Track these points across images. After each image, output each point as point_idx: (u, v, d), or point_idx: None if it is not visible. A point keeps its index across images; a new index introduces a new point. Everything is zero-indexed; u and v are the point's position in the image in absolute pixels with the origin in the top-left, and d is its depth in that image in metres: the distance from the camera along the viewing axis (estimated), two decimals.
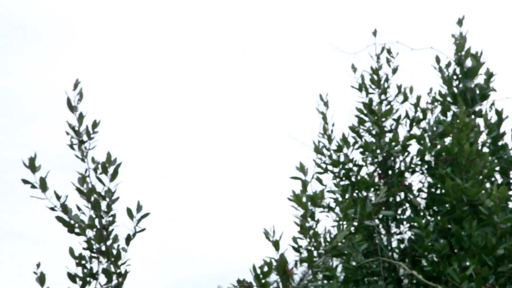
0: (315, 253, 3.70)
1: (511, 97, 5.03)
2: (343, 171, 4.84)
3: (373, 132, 4.94)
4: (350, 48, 5.28)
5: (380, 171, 4.89)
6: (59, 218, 3.46)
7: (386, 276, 4.54)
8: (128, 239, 3.53)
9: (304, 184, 3.86)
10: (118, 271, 3.49)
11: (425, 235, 4.14)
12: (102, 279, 3.50)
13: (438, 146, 4.84)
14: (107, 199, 3.51)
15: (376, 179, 4.88)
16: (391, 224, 4.82)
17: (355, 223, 3.71)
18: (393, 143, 4.86)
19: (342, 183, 4.85)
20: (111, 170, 3.54)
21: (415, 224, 4.59)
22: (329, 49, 5.28)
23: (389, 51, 5.16)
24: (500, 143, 4.86)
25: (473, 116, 4.99)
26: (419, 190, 4.87)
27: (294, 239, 4.02)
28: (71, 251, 3.47)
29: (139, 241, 3.58)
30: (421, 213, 4.73)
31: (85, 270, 3.48)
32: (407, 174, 4.92)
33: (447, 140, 4.87)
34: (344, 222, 3.64)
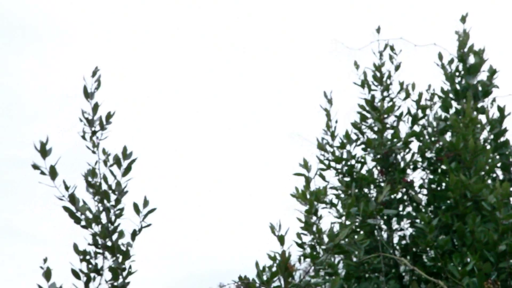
0: (318, 249, 3.72)
1: None
2: (345, 168, 4.87)
3: (375, 128, 4.96)
4: (353, 45, 5.30)
5: (381, 168, 4.92)
6: (65, 208, 3.42)
7: (387, 272, 4.57)
8: (134, 234, 3.51)
9: (308, 180, 3.89)
10: (124, 267, 3.47)
11: (428, 231, 4.17)
12: (107, 275, 3.48)
13: (440, 143, 4.87)
14: (116, 193, 3.49)
15: (376, 175, 4.90)
16: (392, 221, 4.85)
17: (357, 221, 3.73)
18: (395, 140, 4.89)
19: (344, 179, 4.87)
20: (125, 164, 3.52)
21: (417, 220, 4.62)
22: (332, 46, 5.30)
23: (392, 48, 5.18)
24: (502, 140, 4.88)
25: (475, 113, 5.01)
26: (421, 186, 4.90)
27: (298, 235, 4.04)
28: (75, 247, 3.44)
29: (140, 238, 3.57)
30: (423, 210, 4.76)
31: (90, 266, 3.46)
32: (408, 171, 4.95)
33: (448, 135, 4.90)
34: (347, 221, 3.65)
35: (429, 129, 5.03)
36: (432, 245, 4.18)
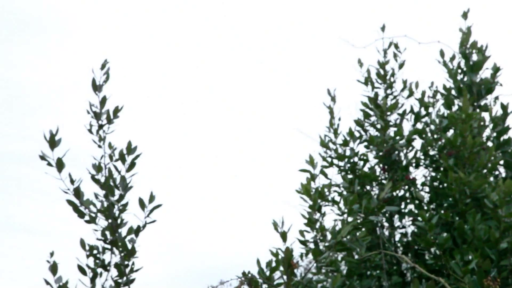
0: (321, 246, 3.75)
1: None
2: (348, 165, 4.89)
3: (378, 126, 4.99)
4: (357, 42, 5.31)
5: (384, 165, 4.94)
6: (70, 202, 3.39)
7: (388, 269, 4.60)
8: (138, 230, 3.49)
9: (313, 177, 3.91)
10: (129, 264, 3.46)
11: (428, 229, 4.19)
12: (114, 271, 3.48)
13: (443, 140, 4.89)
14: (120, 188, 3.46)
15: (378, 173, 4.93)
16: (394, 218, 4.88)
17: (359, 218, 3.75)
18: (398, 137, 4.91)
19: (347, 176, 4.90)
20: (129, 159, 3.49)
21: (419, 218, 4.65)
22: (336, 43, 5.31)
23: (396, 46, 5.20)
24: (505, 137, 4.90)
25: (478, 110, 5.03)
26: (423, 184, 4.92)
27: (301, 232, 4.07)
28: (82, 242, 3.43)
29: (141, 234, 3.54)
30: (425, 207, 4.78)
31: (97, 261, 3.44)
32: (411, 168, 4.98)
33: (450, 133, 4.92)
34: (349, 218, 3.68)
35: (432, 127, 5.05)
36: (432, 243, 4.21)
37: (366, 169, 4.89)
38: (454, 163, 4.58)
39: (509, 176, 4.83)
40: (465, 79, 5.18)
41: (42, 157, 3.33)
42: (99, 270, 3.47)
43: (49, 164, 3.34)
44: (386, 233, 4.76)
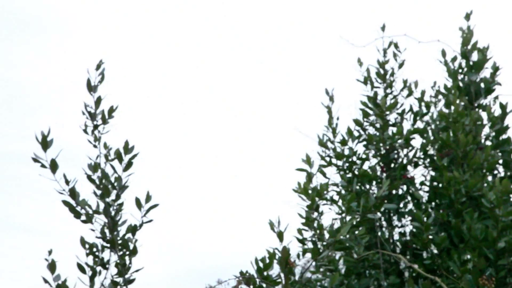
0: (319, 245, 3.75)
1: None
2: (346, 164, 4.89)
3: (377, 125, 4.99)
4: (357, 40, 5.32)
5: (383, 164, 4.94)
6: (65, 203, 3.39)
7: (387, 268, 4.60)
8: (135, 229, 3.50)
9: (310, 176, 3.91)
10: (127, 263, 3.47)
11: (424, 228, 4.19)
12: (113, 270, 3.48)
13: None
14: (117, 187, 3.47)
15: (379, 172, 4.93)
16: (393, 217, 4.88)
17: (357, 216, 3.74)
18: (397, 137, 4.91)
19: (346, 175, 4.90)
20: (126, 159, 3.50)
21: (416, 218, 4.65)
22: (336, 43, 5.32)
23: (396, 45, 5.20)
24: (503, 137, 4.90)
25: (477, 109, 5.03)
26: (421, 183, 4.92)
27: (299, 231, 4.07)
28: (82, 240, 3.43)
29: (140, 233, 3.56)
30: (423, 207, 4.78)
31: (96, 260, 3.45)
32: (409, 168, 4.98)
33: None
34: (347, 216, 3.67)
35: (432, 126, 5.05)
36: (429, 243, 4.21)
37: (366, 168, 4.90)
38: (450, 163, 4.58)
39: (507, 175, 4.82)
40: (465, 79, 5.18)
41: (35, 159, 3.33)
42: (98, 268, 3.47)
43: (43, 165, 3.34)
44: (386, 232, 4.76)
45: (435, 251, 4.33)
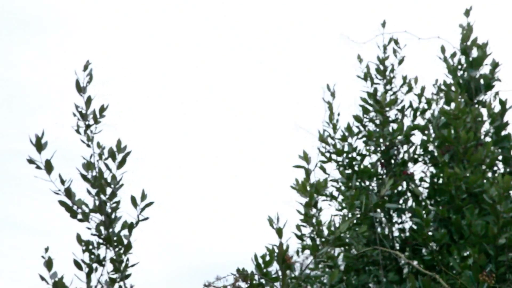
0: (317, 241, 3.73)
1: None
2: (346, 160, 4.88)
3: (377, 121, 4.97)
4: (357, 38, 5.30)
5: (383, 161, 4.93)
6: (61, 203, 3.43)
7: (386, 265, 4.58)
8: (131, 227, 3.52)
9: (308, 172, 3.89)
10: (123, 259, 3.49)
11: (424, 224, 4.17)
12: (109, 266, 3.50)
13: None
14: (112, 185, 3.49)
15: (379, 169, 4.91)
16: (393, 214, 4.86)
17: (358, 214, 3.73)
18: (396, 133, 4.89)
19: (345, 172, 4.88)
20: (119, 157, 3.52)
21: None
22: (336, 42, 5.30)
23: (396, 42, 5.18)
24: (503, 133, 4.87)
25: (476, 106, 5.01)
26: (421, 179, 4.91)
27: (298, 227, 4.05)
28: (78, 237, 3.46)
29: (138, 230, 3.58)
30: (423, 203, 4.76)
31: (92, 257, 3.47)
32: (409, 164, 4.96)
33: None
34: (349, 214, 3.65)
35: (433, 122, 5.03)
36: (429, 239, 4.18)
37: (367, 164, 4.88)
38: (451, 159, 4.55)
39: (507, 171, 4.80)
40: (465, 75, 5.16)
41: (30, 161, 3.37)
42: (94, 265, 3.49)
43: (38, 167, 3.37)
44: (386, 228, 4.74)
45: (434, 247, 4.31)
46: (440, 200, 4.63)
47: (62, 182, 3.41)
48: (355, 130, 4.98)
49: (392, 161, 4.94)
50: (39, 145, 3.36)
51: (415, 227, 4.60)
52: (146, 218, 3.56)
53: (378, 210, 4.23)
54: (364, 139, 4.97)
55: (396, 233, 4.82)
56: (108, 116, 3.57)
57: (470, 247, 4.05)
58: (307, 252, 4.00)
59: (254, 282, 3.31)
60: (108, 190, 3.50)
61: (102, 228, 3.47)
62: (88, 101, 3.52)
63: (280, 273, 3.34)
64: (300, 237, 4.06)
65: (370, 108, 5.02)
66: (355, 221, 4.01)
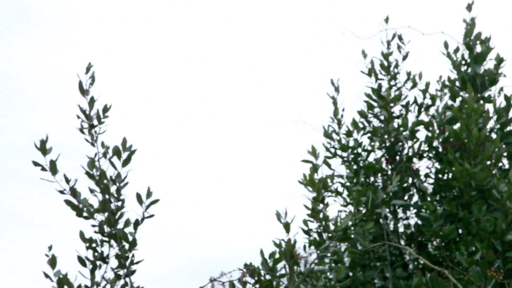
0: (324, 236, 3.72)
1: None
2: (351, 156, 4.87)
3: (381, 117, 4.97)
4: (361, 33, 5.29)
5: (388, 156, 4.92)
6: (67, 202, 3.46)
7: (392, 260, 4.58)
8: (136, 224, 3.54)
9: (315, 167, 3.88)
10: (128, 256, 3.49)
11: (433, 219, 4.16)
12: (113, 263, 3.52)
13: (447, 132, 4.86)
14: (117, 183, 3.51)
15: (384, 164, 4.91)
16: (398, 210, 4.86)
17: (364, 210, 3.72)
18: (401, 129, 4.88)
19: (351, 167, 4.87)
20: (124, 155, 3.53)
21: (423, 209, 4.62)
22: (341, 34, 5.28)
23: (400, 38, 5.17)
24: (508, 129, 4.86)
25: (481, 102, 5.00)
26: (426, 175, 4.90)
27: (305, 222, 4.05)
28: (82, 235, 3.47)
29: (142, 227, 3.59)
30: (428, 199, 4.76)
31: (96, 254, 3.49)
32: (414, 160, 4.95)
33: (456, 125, 4.89)
34: (356, 210, 3.65)
35: (438, 119, 5.02)
36: (437, 234, 4.18)
37: (371, 160, 4.87)
38: (459, 155, 4.55)
39: None
40: (469, 70, 5.15)
41: (35, 163, 3.40)
42: (98, 262, 3.50)
43: (43, 169, 3.40)
44: (391, 224, 4.74)
45: (441, 244, 4.30)
46: (446, 196, 4.62)
47: (67, 181, 3.44)
48: (360, 125, 4.98)
49: (397, 157, 4.94)
50: (44, 149, 3.40)
51: (420, 222, 4.59)
52: (152, 215, 3.57)
53: (385, 207, 4.24)
54: (369, 134, 4.96)
55: (401, 229, 4.82)
56: (110, 113, 3.59)
57: (478, 243, 4.04)
58: (313, 247, 3.99)
59: (261, 278, 3.30)
60: (113, 188, 3.51)
61: (105, 226, 3.49)
62: (91, 102, 3.54)
63: (287, 268, 3.33)
64: (307, 232, 4.06)
65: (375, 104, 5.01)
66: (361, 218, 4.00)
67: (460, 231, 4.44)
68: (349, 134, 4.90)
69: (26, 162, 3.40)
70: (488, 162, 4.53)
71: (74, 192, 3.45)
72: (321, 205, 3.84)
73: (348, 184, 4.75)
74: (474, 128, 4.48)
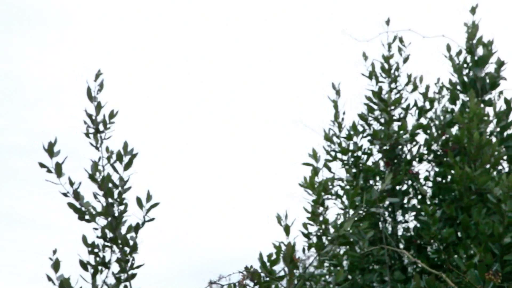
0: (323, 240, 3.74)
1: None
2: (352, 159, 4.88)
3: (382, 120, 4.97)
4: (361, 34, 5.30)
5: (387, 159, 4.93)
6: (70, 205, 3.49)
7: (391, 264, 4.59)
8: (137, 227, 3.56)
9: (316, 170, 3.89)
10: (129, 259, 3.51)
11: (432, 223, 4.17)
12: (115, 268, 3.54)
13: (446, 135, 4.87)
14: (120, 188, 3.53)
15: (382, 167, 4.92)
16: (397, 213, 4.87)
17: (361, 211, 3.73)
18: (401, 132, 4.89)
19: (351, 170, 4.88)
20: (126, 159, 3.55)
21: (422, 213, 4.63)
22: (341, 37, 5.30)
23: (401, 40, 5.17)
24: (508, 132, 4.87)
25: (482, 105, 5.01)
26: (426, 178, 4.91)
27: (305, 225, 4.06)
28: (84, 239, 3.50)
29: (146, 230, 3.62)
30: (428, 202, 4.77)
31: (98, 259, 3.50)
32: (414, 163, 4.96)
33: (455, 129, 4.90)
34: (351, 210, 3.66)
35: (436, 122, 5.03)
36: (436, 237, 4.19)
37: (369, 163, 4.88)
38: (460, 159, 4.56)
39: None
40: (470, 73, 5.16)
41: (42, 165, 3.42)
42: (99, 267, 3.52)
43: (49, 170, 3.43)
44: (389, 227, 4.75)
45: (440, 246, 4.32)
46: (445, 199, 4.64)
47: (71, 184, 3.46)
48: (360, 128, 4.98)
49: (396, 160, 4.94)
50: (51, 152, 3.42)
51: (419, 225, 4.61)
52: (152, 219, 3.59)
53: (380, 205, 4.24)
54: (369, 138, 4.97)
55: (400, 232, 4.83)
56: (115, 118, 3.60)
57: (477, 246, 4.06)
58: (313, 250, 4.01)
59: (260, 280, 3.31)
60: (115, 192, 3.53)
61: (107, 230, 3.51)
62: (98, 107, 3.56)
63: (286, 271, 3.34)
64: (307, 235, 4.07)
65: (375, 107, 5.02)
66: (357, 218, 4.01)
67: (459, 234, 4.45)
68: (349, 137, 4.91)
69: (26, 162, 3.42)
70: (488, 166, 4.55)
71: (77, 195, 3.47)
72: (321, 208, 3.85)
73: (347, 187, 4.76)
74: (475, 132, 4.50)
